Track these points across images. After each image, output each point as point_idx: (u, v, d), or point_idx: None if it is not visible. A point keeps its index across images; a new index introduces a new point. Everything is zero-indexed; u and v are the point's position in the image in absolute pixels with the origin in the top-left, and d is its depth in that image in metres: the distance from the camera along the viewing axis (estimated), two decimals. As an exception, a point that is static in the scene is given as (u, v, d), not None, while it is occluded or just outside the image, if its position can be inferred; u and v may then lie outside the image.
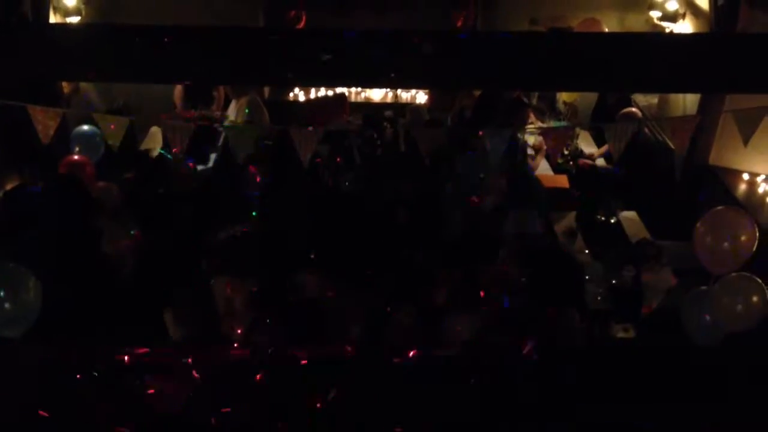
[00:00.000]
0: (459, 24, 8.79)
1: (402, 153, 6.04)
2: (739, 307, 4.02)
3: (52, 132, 4.07)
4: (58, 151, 5.64)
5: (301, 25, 8.67)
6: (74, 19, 7.59)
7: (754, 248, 4.11)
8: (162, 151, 6.21)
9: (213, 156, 6.96)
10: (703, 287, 4.21)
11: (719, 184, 6.70)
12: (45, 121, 4.04)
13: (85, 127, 5.94)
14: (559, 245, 5.61)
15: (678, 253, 5.39)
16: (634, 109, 7.12)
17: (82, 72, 4.41)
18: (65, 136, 5.84)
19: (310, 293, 4.46)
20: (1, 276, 3.82)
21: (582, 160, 7.33)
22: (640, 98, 8.22)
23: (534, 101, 7.88)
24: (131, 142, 5.45)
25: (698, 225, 4.20)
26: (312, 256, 4.82)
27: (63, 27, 6.61)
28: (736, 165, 6.76)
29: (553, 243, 5.59)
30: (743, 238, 4.09)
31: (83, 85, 7.86)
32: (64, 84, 7.33)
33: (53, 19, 7.34)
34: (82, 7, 7.74)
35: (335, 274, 4.58)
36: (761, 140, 4.34)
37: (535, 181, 6.20)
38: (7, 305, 3.76)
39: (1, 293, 3.75)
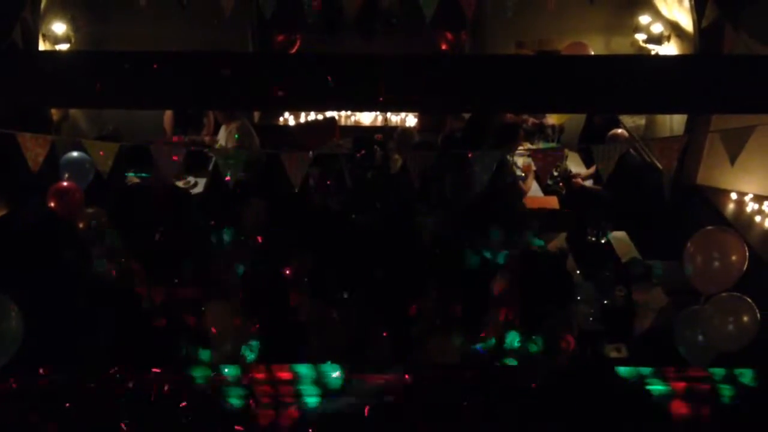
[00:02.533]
0: (443, 47, 8.88)
1: (392, 175, 6.06)
2: (731, 327, 4.02)
3: (41, 159, 4.05)
4: (48, 178, 5.63)
5: (295, 49, 8.74)
6: (63, 47, 7.61)
7: (745, 268, 4.12)
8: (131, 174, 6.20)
9: (200, 181, 6.99)
10: (695, 306, 4.22)
11: (707, 203, 6.74)
12: (34, 149, 4.02)
13: (75, 154, 5.93)
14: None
15: (668, 272, 5.41)
16: (620, 131, 7.19)
17: (72, 99, 4.41)
18: (54, 163, 5.83)
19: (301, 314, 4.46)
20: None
21: (574, 180, 7.38)
22: (627, 119, 8.30)
23: (525, 124, 7.94)
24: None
25: (688, 245, 4.22)
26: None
27: (52, 54, 6.61)
28: (723, 184, 6.82)
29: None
30: (733, 257, 4.11)
31: (72, 111, 7.86)
32: (54, 111, 7.32)
33: (42, 46, 7.35)
34: (71, 34, 7.76)
35: (323, 293, 4.60)
36: (748, 159, 4.40)
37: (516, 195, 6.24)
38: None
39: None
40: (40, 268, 4.47)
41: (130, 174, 6.46)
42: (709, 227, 4.30)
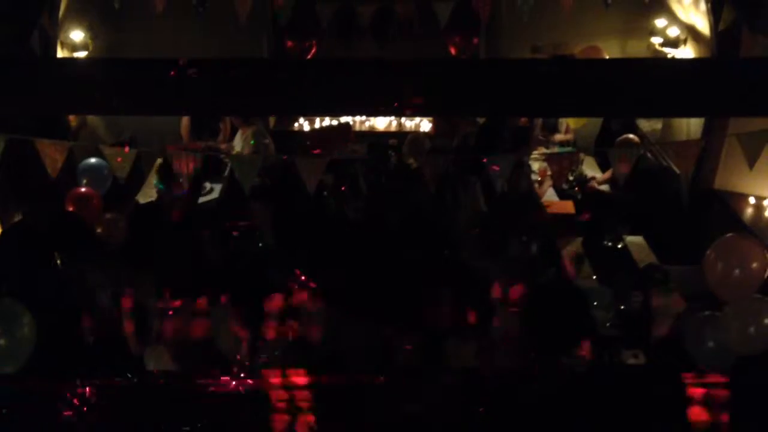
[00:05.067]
0: (453, 51, 8.88)
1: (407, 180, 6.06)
2: (752, 329, 3.98)
3: (59, 165, 4.09)
4: (66, 184, 5.68)
5: (311, 54, 8.77)
6: (81, 54, 7.69)
7: (766, 275, 4.07)
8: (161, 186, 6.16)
9: (216, 187, 7.02)
10: (707, 312, 4.18)
11: (725, 208, 6.68)
12: (53, 155, 4.07)
13: (93, 160, 5.98)
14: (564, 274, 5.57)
15: (686, 277, 5.36)
16: (631, 136, 7.13)
17: (90, 106, 4.45)
18: (72, 170, 5.88)
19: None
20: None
21: (590, 184, 7.34)
22: (643, 123, 8.25)
23: (537, 130, 7.91)
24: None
25: (708, 252, 4.17)
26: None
27: (70, 61, 6.69)
28: (741, 189, 6.75)
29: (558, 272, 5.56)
30: (755, 264, 4.05)
31: (90, 118, 7.94)
32: (71, 118, 7.40)
33: (60, 54, 7.43)
34: (89, 41, 7.84)
35: (337, 300, 4.59)
36: (767, 163, 4.33)
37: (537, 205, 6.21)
38: (1, 341, 3.75)
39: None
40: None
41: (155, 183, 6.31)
42: (730, 234, 4.25)
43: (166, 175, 5.84)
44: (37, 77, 4.06)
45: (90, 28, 7.86)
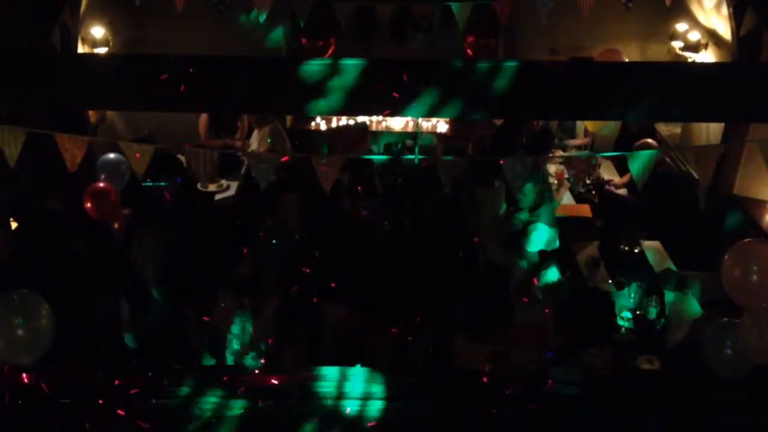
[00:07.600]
0: (469, 53, 8.87)
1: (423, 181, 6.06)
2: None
3: (79, 160, 4.11)
4: (84, 178, 5.73)
5: (330, 53, 8.80)
6: (102, 50, 7.75)
7: None
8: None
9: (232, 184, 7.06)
10: (726, 319, 4.14)
11: (744, 214, 6.62)
12: (72, 149, 4.09)
13: (111, 155, 6.02)
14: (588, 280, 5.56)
15: (703, 283, 5.32)
16: (650, 140, 7.07)
17: (109, 101, 4.48)
18: (91, 164, 5.93)
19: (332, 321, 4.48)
20: (14, 303, 3.85)
21: (607, 187, 7.30)
22: (662, 128, 8.19)
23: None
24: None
25: (726, 257, 4.13)
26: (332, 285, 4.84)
27: (91, 57, 6.74)
28: (760, 195, 6.69)
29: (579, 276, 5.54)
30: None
31: (110, 114, 7.99)
32: (91, 113, 7.45)
33: (81, 49, 7.49)
34: (110, 38, 7.90)
35: (356, 301, 4.60)
36: (786, 170, 4.29)
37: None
38: (20, 332, 3.78)
39: (15, 320, 3.78)
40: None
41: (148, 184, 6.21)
42: (747, 239, 4.21)
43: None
44: (58, 72, 4.10)
45: (111, 25, 7.92)
